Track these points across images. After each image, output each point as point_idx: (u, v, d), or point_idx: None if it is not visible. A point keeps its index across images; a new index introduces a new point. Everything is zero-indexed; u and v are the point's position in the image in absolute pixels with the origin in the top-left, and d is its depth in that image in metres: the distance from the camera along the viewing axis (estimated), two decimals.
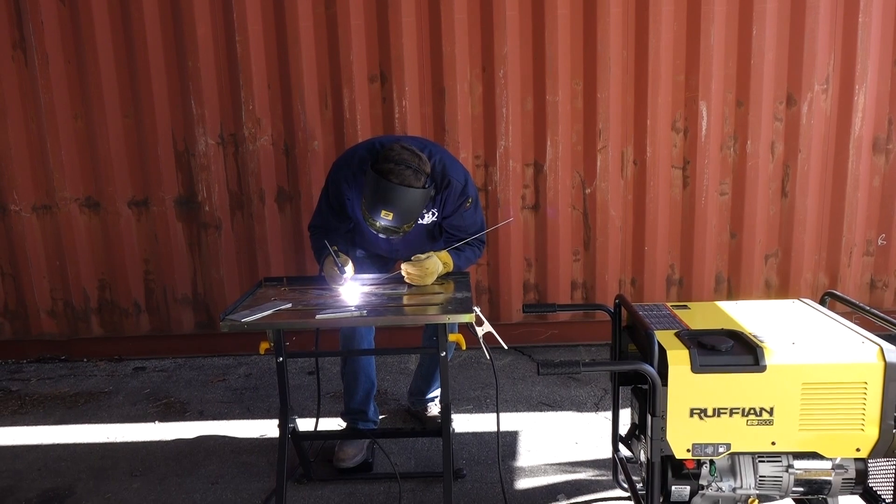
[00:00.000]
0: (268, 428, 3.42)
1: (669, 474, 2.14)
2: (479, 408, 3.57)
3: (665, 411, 2.02)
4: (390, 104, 4.04)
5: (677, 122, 4.03)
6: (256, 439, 3.34)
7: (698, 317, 2.35)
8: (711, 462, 2.13)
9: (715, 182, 4.09)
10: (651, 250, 4.18)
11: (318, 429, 3.03)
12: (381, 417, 3.44)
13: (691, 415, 2.02)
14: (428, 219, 2.73)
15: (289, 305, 2.41)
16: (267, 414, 3.59)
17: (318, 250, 2.78)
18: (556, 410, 3.50)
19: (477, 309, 2.26)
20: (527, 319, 4.31)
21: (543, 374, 1.98)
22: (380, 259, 3.00)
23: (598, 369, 2.16)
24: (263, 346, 2.45)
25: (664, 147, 4.05)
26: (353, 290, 2.58)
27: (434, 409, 3.33)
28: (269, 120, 4.09)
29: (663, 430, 2.03)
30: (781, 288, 4.22)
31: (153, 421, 3.58)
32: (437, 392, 3.34)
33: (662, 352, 2.02)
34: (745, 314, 2.35)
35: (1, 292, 4.42)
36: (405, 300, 2.51)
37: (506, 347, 2.37)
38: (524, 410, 3.51)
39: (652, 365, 2.01)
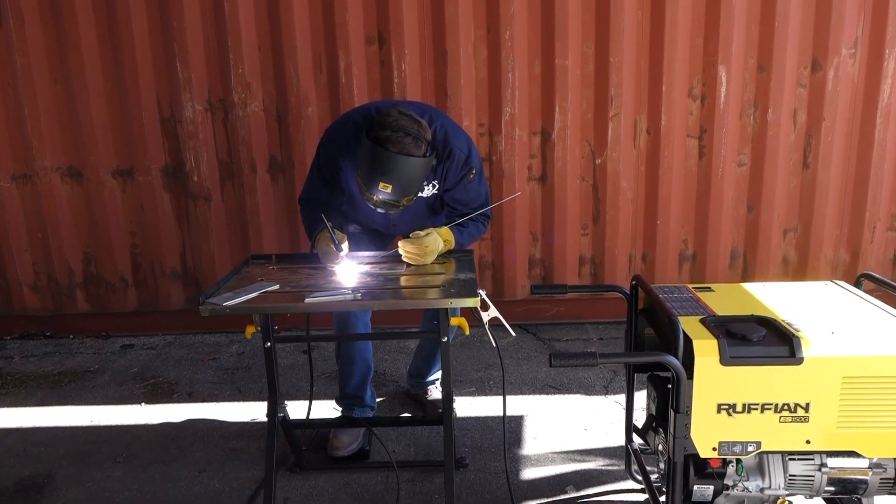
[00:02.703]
0: (259, 411, 3.25)
1: (692, 472, 1.96)
2: (481, 390, 3.39)
3: (690, 407, 1.83)
4: (389, 68, 3.79)
5: (694, 89, 3.79)
6: (247, 423, 3.16)
7: (724, 301, 2.15)
8: (738, 461, 1.95)
9: (733, 152, 3.86)
10: (664, 224, 3.97)
11: (312, 414, 2.85)
12: (378, 401, 3.26)
13: (719, 411, 1.83)
14: (428, 191, 2.51)
15: (276, 287, 2.21)
16: (259, 396, 3.41)
17: (311, 225, 2.57)
18: (564, 393, 3.32)
19: (482, 292, 2.06)
20: (532, 296, 4.11)
21: (556, 366, 1.79)
22: (376, 235, 2.79)
23: (616, 360, 1.98)
24: (249, 329, 2.26)
25: (680, 115, 3.82)
26: (348, 269, 2.38)
27: (435, 392, 3.15)
28: (259, 84, 3.84)
29: (687, 426, 1.84)
30: (800, 264, 4.02)
31: (139, 403, 3.41)
32: (438, 374, 3.16)
33: (688, 341, 1.82)
34: (775, 298, 2.15)
35: None
36: (403, 281, 2.31)
37: (513, 334, 2.18)
38: (529, 393, 3.34)
39: (676, 356, 1.82)
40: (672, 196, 3.93)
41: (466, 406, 3.21)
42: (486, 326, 2.12)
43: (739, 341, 1.83)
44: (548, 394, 3.32)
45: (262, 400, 3.35)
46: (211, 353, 3.94)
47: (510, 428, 3.02)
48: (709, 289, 2.27)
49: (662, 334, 2.09)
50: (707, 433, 1.85)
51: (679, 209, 3.96)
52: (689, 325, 1.91)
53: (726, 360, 1.80)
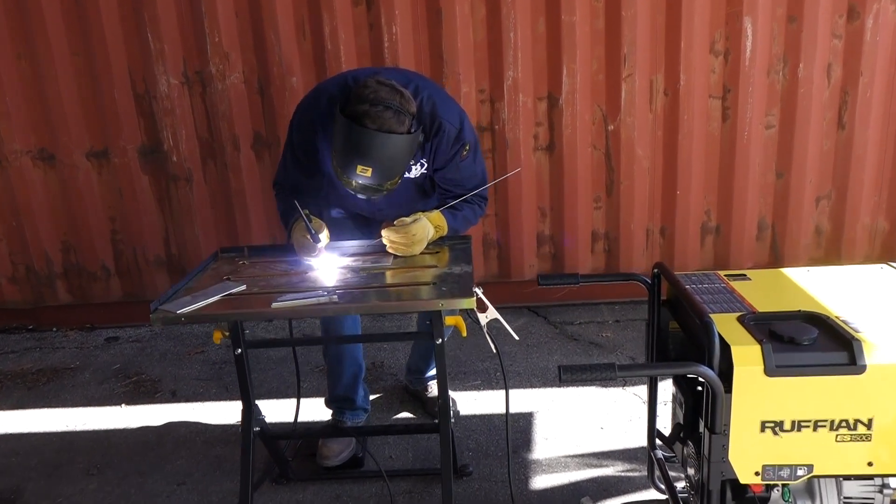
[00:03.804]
0: None
1: (729, 497, 1.67)
2: (487, 383, 3.11)
3: (728, 426, 1.53)
4: (378, 31, 3.45)
5: (717, 44, 3.42)
6: (232, 426, 2.91)
7: (762, 291, 1.84)
8: (785, 484, 1.66)
9: (760, 113, 3.51)
10: (684, 195, 3.63)
11: (303, 415, 2.59)
12: (375, 397, 3.01)
13: (763, 429, 1.53)
14: (416, 171, 2.20)
15: (242, 287, 1.92)
16: None
17: (286, 213, 2.27)
18: (577, 386, 3.03)
19: (479, 290, 1.76)
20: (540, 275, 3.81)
21: (566, 381, 1.50)
22: (362, 220, 2.48)
23: (639, 374, 1.67)
24: (217, 335, 1.98)
25: (701, 73, 3.45)
26: (327, 263, 2.08)
27: (435, 388, 2.87)
28: (238, 54, 3.52)
29: (725, 448, 1.55)
30: (834, 234, 3.68)
31: (119, 404, 3.16)
32: None
33: (725, 348, 1.52)
34: (824, 287, 1.84)
35: None
36: (389, 276, 2.00)
37: (517, 338, 1.88)
38: (539, 386, 3.05)
39: (711, 365, 1.52)
40: (693, 163, 3.58)
41: (470, 402, 2.94)
42: (485, 330, 1.83)
43: (787, 346, 1.53)
44: (560, 386, 3.04)
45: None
46: (198, 346, 3.68)
47: (519, 426, 2.75)
48: (743, 276, 1.96)
49: (691, 334, 1.79)
50: (749, 455, 1.55)
51: (701, 178, 3.62)
52: (724, 325, 1.60)
53: (772, 369, 1.50)
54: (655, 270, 2.00)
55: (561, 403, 2.90)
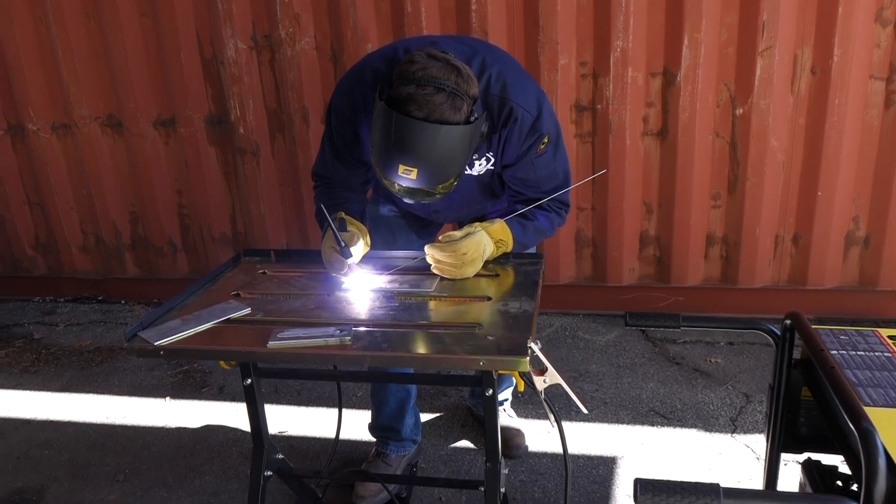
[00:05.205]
0: (293, 421, 2.69)
1: None
2: (565, 412, 2.60)
3: None
4: None
5: (885, 10, 2.72)
6: (273, 437, 2.59)
7: None
8: None
9: None
10: (827, 196, 2.98)
11: (346, 433, 2.28)
12: (434, 417, 2.64)
13: None
14: (480, 167, 1.74)
15: (245, 312, 1.55)
16: (297, 398, 2.85)
17: (320, 214, 1.87)
18: (674, 426, 2.52)
19: (536, 346, 1.30)
20: (641, 282, 3.29)
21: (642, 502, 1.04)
22: (418, 220, 2.05)
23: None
24: (223, 362, 1.63)
25: (862, 48, 2.77)
26: (357, 284, 1.67)
27: (503, 416, 2.45)
28: (310, 16, 3.15)
29: None
30: None
31: (164, 396, 2.94)
32: (507, 394, 2.47)
33: (891, 466, 1.01)
34: None
35: (30, 223, 3.90)
36: (427, 309, 1.55)
37: (585, 411, 1.41)
38: (628, 422, 2.56)
39: (869, 494, 1.01)
40: (842, 159, 2.92)
41: (542, 437, 2.49)
42: (542, 397, 1.37)
43: None
44: (653, 424, 2.53)
45: (300, 404, 2.82)
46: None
47: (597, 474, 2.28)
48: None
49: (833, 421, 1.27)
50: None
51: (850, 177, 2.95)
52: (889, 428, 1.08)
53: None
54: (788, 322, 1.47)
55: (653, 447, 2.40)
